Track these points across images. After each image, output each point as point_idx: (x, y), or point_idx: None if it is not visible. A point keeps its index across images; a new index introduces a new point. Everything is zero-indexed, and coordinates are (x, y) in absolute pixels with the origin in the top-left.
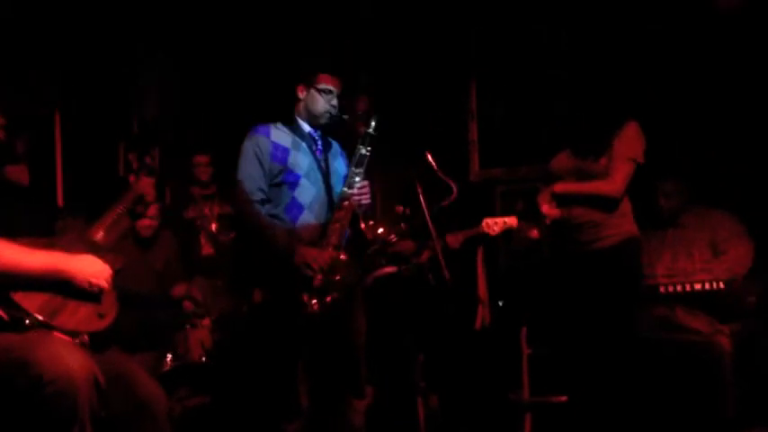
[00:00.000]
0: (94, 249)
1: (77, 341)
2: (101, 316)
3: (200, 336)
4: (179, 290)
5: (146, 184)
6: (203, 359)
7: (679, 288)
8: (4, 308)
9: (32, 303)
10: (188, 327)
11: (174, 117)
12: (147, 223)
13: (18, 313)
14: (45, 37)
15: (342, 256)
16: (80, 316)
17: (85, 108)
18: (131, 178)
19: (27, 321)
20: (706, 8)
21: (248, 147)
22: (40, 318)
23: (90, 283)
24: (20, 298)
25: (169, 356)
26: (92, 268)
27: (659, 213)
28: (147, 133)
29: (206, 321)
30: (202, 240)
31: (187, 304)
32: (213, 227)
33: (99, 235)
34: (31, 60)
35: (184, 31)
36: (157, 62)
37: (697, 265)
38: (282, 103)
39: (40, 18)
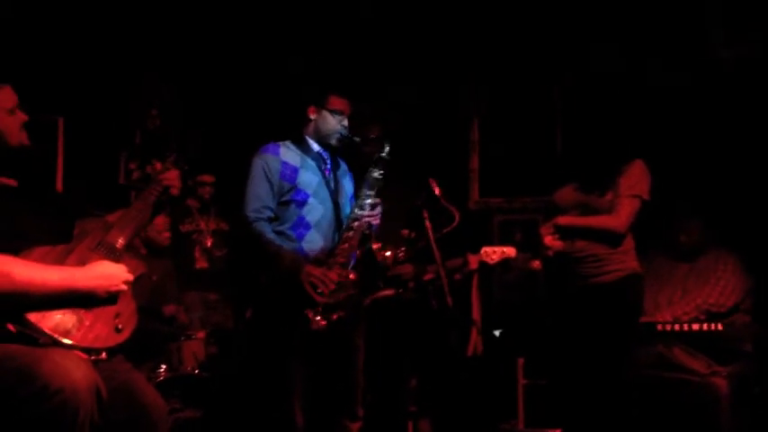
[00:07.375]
0: (115, 255)
1: (93, 358)
2: (118, 330)
3: (193, 348)
4: (169, 309)
5: (173, 176)
6: (196, 371)
7: (677, 327)
8: (17, 326)
9: (47, 322)
10: (182, 338)
11: (177, 129)
12: (166, 235)
13: (32, 333)
14: (51, 44)
15: (351, 276)
16: (97, 331)
17: (89, 116)
18: (158, 167)
19: (41, 341)
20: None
21: (257, 164)
22: (55, 336)
23: (108, 292)
24: (34, 317)
25: (163, 367)
26: (108, 279)
27: (678, 248)
28: (150, 143)
29: (200, 334)
30: (197, 254)
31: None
32: (209, 242)
33: (119, 240)
34: (37, 66)
35: (188, 43)
36: (162, 74)
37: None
38: (283, 119)
39: (48, 26)
